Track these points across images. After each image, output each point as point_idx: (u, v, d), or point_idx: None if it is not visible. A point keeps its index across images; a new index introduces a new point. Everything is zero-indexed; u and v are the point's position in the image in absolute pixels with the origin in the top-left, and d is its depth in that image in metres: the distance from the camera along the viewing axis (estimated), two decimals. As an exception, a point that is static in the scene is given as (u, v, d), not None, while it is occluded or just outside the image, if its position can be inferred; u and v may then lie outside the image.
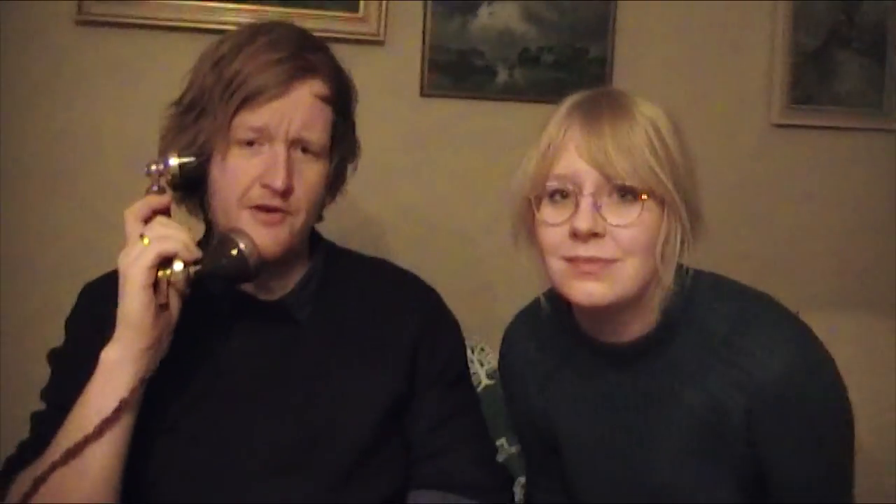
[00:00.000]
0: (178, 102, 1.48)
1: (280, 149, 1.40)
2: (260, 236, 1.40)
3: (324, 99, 1.46)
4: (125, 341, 1.31)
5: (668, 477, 1.43)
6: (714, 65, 2.72)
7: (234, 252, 1.38)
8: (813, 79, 2.79)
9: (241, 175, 1.41)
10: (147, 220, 1.35)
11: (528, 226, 1.45)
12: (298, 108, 1.41)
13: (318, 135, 1.44)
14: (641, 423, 1.45)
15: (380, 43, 2.44)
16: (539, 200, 1.40)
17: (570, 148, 1.36)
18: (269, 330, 1.49)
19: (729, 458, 1.39)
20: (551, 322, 1.57)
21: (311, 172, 1.46)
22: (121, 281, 1.30)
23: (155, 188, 1.39)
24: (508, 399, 1.72)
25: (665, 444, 1.43)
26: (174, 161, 1.41)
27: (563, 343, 1.55)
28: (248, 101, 1.39)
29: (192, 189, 1.47)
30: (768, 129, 2.79)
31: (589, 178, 1.34)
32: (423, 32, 2.49)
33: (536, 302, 1.62)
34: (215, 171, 1.42)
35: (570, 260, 1.36)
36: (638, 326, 1.44)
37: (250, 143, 1.40)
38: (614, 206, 1.35)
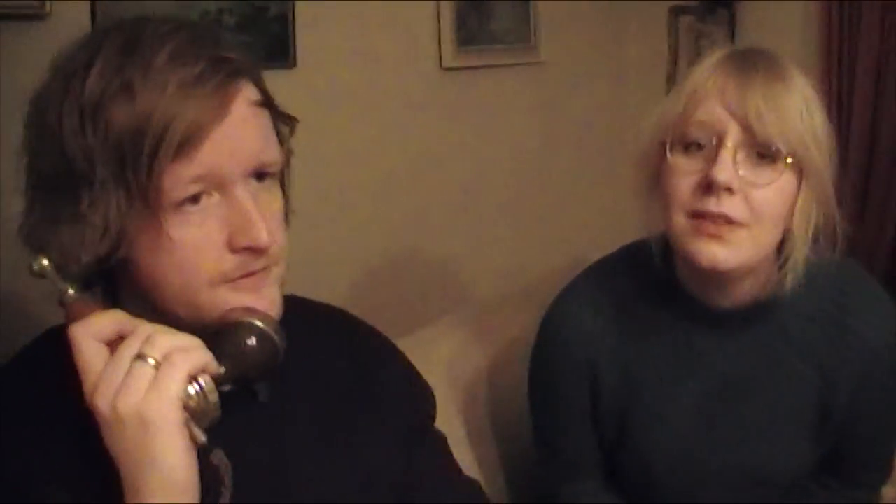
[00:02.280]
0: (33, 180, 0.99)
1: (240, 191, 0.98)
2: (265, 299, 1.05)
3: (260, 103, 1.03)
4: None
5: (767, 453, 1.45)
6: (388, 15, 2.72)
7: (253, 340, 1.00)
8: (475, 21, 2.89)
9: (200, 247, 0.97)
10: (111, 343, 0.95)
11: (653, 172, 1.38)
12: (244, 128, 0.98)
13: (274, 151, 1.04)
14: (743, 394, 1.44)
15: (42, 17, 2.06)
16: (673, 146, 1.33)
17: (718, 96, 1.29)
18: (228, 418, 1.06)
19: (825, 433, 1.46)
20: (631, 285, 1.50)
21: (276, 201, 1.06)
22: (131, 430, 0.90)
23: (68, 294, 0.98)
24: (552, 395, 1.56)
25: (768, 418, 1.45)
26: (84, 257, 0.98)
27: (648, 305, 1.48)
28: (180, 149, 0.93)
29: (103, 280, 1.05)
30: (440, 73, 2.85)
31: (733, 130, 1.28)
32: (92, 3, 2.16)
33: (589, 273, 1.57)
34: (146, 255, 0.98)
35: (696, 215, 1.30)
36: (751, 291, 1.41)
37: (195, 200, 0.96)
38: (753, 165, 1.29)
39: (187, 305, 0.99)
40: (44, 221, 0.97)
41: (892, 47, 2.92)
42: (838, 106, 3.01)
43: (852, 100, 3.00)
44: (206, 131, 0.93)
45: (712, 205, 1.27)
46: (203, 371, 0.94)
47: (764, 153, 1.29)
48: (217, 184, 0.96)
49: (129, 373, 0.90)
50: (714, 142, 1.29)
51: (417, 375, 1.36)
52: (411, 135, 2.79)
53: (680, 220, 1.32)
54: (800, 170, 1.30)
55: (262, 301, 1.01)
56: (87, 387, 0.92)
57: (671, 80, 3.35)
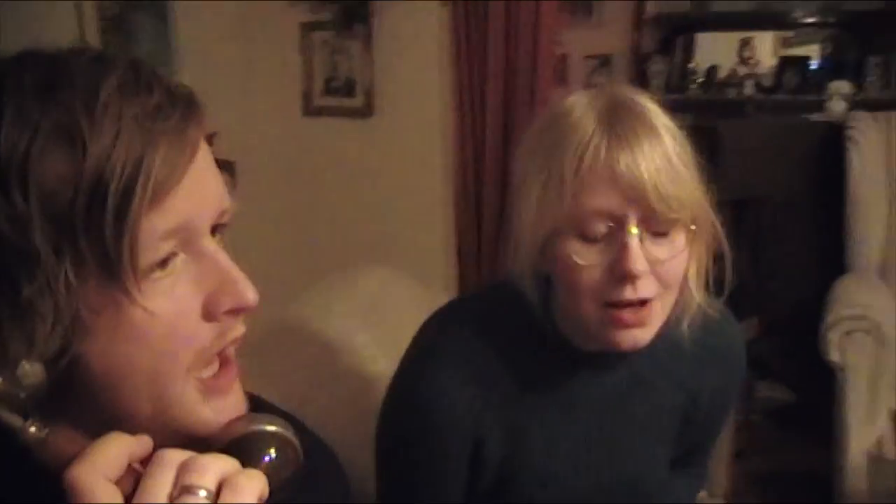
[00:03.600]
0: None
1: (209, 246, 0.80)
2: (238, 398, 0.86)
3: (208, 139, 0.83)
4: None
5: (643, 467, 1.48)
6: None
7: (275, 449, 0.82)
8: (118, 41, 2.73)
9: (175, 322, 0.77)
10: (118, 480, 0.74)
11: (537, 257, 1.26)
12: (207, 169, 0.80)
13: (227, 197, 0.86)
14: (620, 423, 1.43)
15: None
16: (566, 237, 1.22)
17: (609, 181, 1.17)
18: None
19: (684, 439, 1.51)
20: (499, 336, 1.38)
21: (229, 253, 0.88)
22: None
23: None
24: (422, 474, 1.41)
25: (641, 441, 1.46)
26: (29, 367, 0.73)
27: (522, 355, 1.38)
28: (154, 197, 0.73)
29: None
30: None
31: (633, 215, 1.17)
32: None
33: (449, 330, 1.41)
34: (106, 344, 0.75)
35: (613, 305, 1.21)
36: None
37: (163, 264, 0.76)
38: (653, 242, 1.20)
39: (157, 400, 0.78)
40: None
41: (516, 49, 3.15)
42: (471, 107, 3.19)
43: (485, 100, 3.19)
44: (180, 174, 0.74)
45: (629, 293, 1.19)
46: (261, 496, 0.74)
47: (665, 225, 1.20)
48: (186, 240, 0.77)
49: None
50: (616, 228, 1.19)
51: None
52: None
53: (594, 311, 1.23)
54: (697, 229, 1.24)
55: (231, 410, 0.82)
56: None
57: (307, 97, 3.36)
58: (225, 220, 0.81)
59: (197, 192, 0.76)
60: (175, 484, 0.69)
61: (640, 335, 1.23)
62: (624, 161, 1.16)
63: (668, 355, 1.39)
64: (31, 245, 0.69)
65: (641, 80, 6.88)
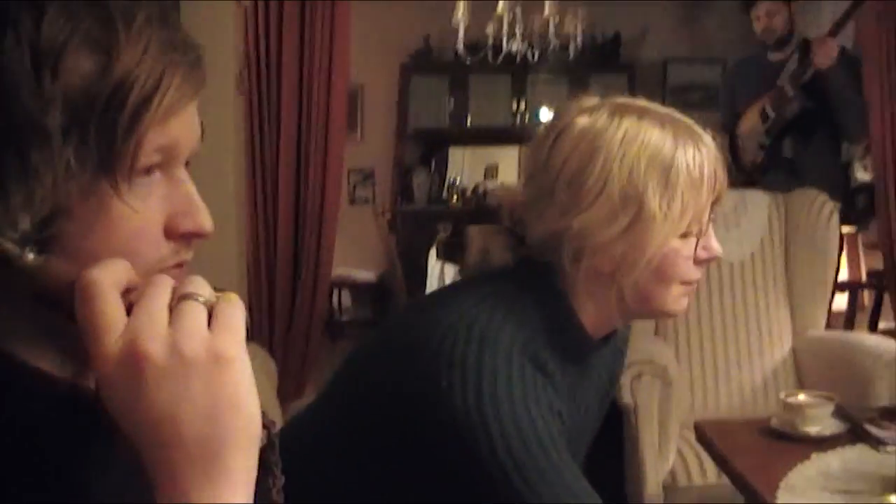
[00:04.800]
0: None
1: (182, 173, 0.89)
2: None
3: None
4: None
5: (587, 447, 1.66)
6: None
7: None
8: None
9: (142, 227, 0.85)
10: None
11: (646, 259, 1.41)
12: (196, 113, 0.91)
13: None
14: (590, 404, 1.59)
15: None
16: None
17: (700, 186, 1.38)
18: None
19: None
20: (546, 329, 1.45)
21: None
22: (203, 373, 0.76)
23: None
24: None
25: (594, 417, 1.64)
26: (25, 220, 0.81)
27: (559, 345, 1.47)
28: (164, 115, 0.83)
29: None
30: None
31: (713, 206, 1.43)
32: None
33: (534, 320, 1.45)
34: (81, 228, 0.82)
35: (690, 283, 1.44)
36: None
37: (148, 171, 0.85)
38: None
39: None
40: None
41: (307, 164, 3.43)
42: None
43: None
44: (185, 102, 0.84)
45: (701, 272, 1.45)
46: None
47: None
48: (168, 159, 0.86)
49: (179, 313, 0.76)
50: (703, 222, 1.41)
51: None
52: None
53: (676, 289, 1.44)
54: None
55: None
56: (109, 339, 0.75)
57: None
58: (190, 159, 0.90)
59: (190, 125, 0.85)
60: (173, 296, 0.76)
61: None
62: (707, 167, 1.37)
63: (612, 345, 1.58)
64: (46, 122, 0.76)
65: (406, 190, 7.25)
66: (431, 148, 7.50)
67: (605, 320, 1.48)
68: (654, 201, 1.35)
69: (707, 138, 1.40)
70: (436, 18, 6.34)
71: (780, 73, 4.22)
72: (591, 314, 1.47)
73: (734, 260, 3.39)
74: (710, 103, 5.75)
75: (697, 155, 1.36)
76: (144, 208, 0.83)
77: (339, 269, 5.48)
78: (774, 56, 4.32)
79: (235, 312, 0.78)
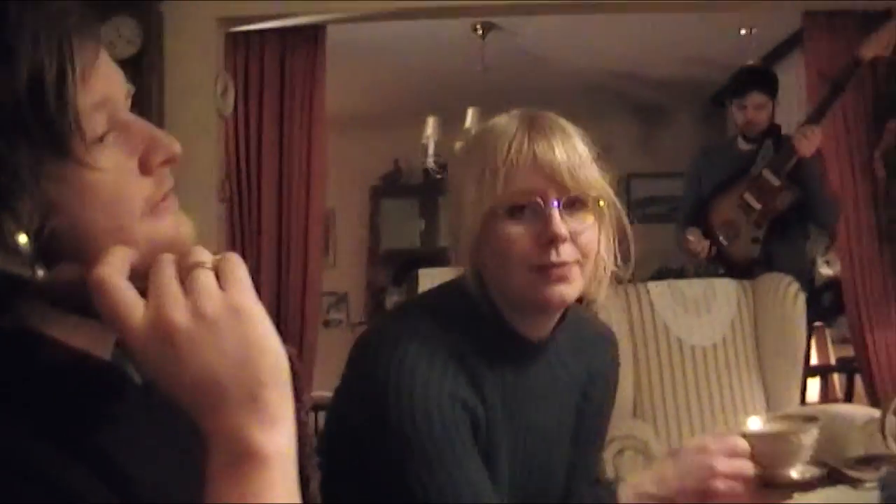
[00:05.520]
0: None
1: (129, 116, 0.95)
2: (180, 219, 1.00)
3: None
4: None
5: (559, 457, 1.63)
6: None
7: None
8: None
9: (120, 180, 0.91)
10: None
11: (475, 240, 1.50)
12: (110, 61, 0.95)
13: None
14: (543, 411, 1.59)
15: None
16: (502, 216, 1.47)
17: (531, 165, 1.45)
18: None
19: (580, 436, 1.66)
20: (469, 327, 1.53)
21: None
22: (228, 328, 0.83)
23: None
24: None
25: (559, 429, 1.62)
26: (23, 239, 0.86)
27: (486, 344, 1.54)
28: (82, 77, 0.89)
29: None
30: None
31: (552, 191, 1.44)
32: None
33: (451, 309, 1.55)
34: (73, 208, 0.90)
35: (540, 268, 1.45)
36: (552, 322, 1.60)
37: (101, 139, 0.91)
38: (571, 215, 1.46)
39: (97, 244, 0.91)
40: None
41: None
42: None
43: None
44: (94, 57, 0.91)
45: (554, 256, 1.44)
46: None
47: (577, 203, 1.46)
48: (111, 114, 0.92)
49: (192, 280, 0.83)
50: (540, 204, 1.45)
51: None
52: None
53: (524, 275, 1.46)
54: (604, 208, 1.49)
55: (184, 227, 0.97)
56: (134, 321, 0.81)
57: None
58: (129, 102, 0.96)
59: (110, 74, 0.92)
60: (178, 269, 0.83)
61: (566, 290, 1.46)
62: (542, 149, 1.45)
63: (576, 339, 1.62)
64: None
65: (380, 311, 7.31)
66: (404, 268, 7.61)
67: (518, 317, 1.54)
68: (460, 181, 1.51)
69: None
70: (405, 141, 6.50)
71: (749, 161, 4.13)
72: (508, 312, 1.54)
73: (706, 343, 3.50)
74: (673, 216, 5.86)
75: (501, 138, 1.47)
76: (113, 165, 0.89)
77: (316, 392, 5.49)
78: (745, 145, 4.24)
79: (239, 269, 0.85)
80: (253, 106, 3.94)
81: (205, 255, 0.85)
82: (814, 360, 4.11)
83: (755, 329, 3.55)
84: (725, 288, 3.63)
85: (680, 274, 4.16)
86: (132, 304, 0.81)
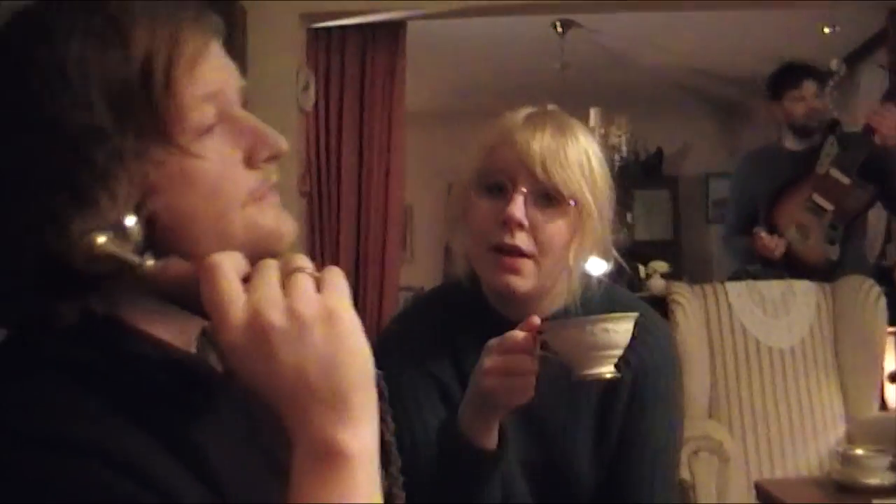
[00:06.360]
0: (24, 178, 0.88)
1: (241, 112, 0.98)
2: (281, 211, 1.05)
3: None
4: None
5: (573, 456, 1.61)
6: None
7: None
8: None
9: (225, 171, 0.94)
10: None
11: (459, 212, 1.59)
12: (225, 56, 1.01)
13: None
14: (547, 402, 1.56)
15: None
16: (476, 189, 1.54)
17: (511, 147, 1.51)
18: None
19: (606, 430, 1.63)
20: (447, 314, 1.65)
21: None
22: (321, 331, 0.84)
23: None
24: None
25: (571, 424, 1.61)
26: (131, 221, 0.89)
27: (464, 330, 1.62)
28: (190, 67, 0.93)
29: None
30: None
31: (523, 176, 1.50)
32: None
33: (441, 286, 1.72)
34: (174, 194, 0.92)
35: (496, 249, 1.50)
36: (549, 306, 1.61)
37: (210, 131, 0.94)
38: (541, 206, 1.50)
39: (222, 234, 0.94)
40: (65, 204, 0.87)
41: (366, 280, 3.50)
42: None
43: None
44: (204, 49, 0.95)
45: (507, 238, 1.49)
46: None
47: (550, 196, 1.51)
48: (221, 109, 0.95)
49: (292, 283, 0.85)
50: (509, 185, 1.51)
51: None
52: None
53: (483, 254, 1.52)
54: (580, 212, 1.52)
55: (286, 222, 1.00)
56: (234, 313, 0.83)
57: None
58: (244, 99, 1.00)
59: (221, 68, 0.96)
60: (281, 273, 0.85)
61: (517, 281, 1.51)
62: (524, 137, 1.51)
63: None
64: (95, 122, 0.87)
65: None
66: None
67: (496, 299, 1.60)
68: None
69: None
70: (482, 138, 6.48)
71: (805, 161, 3.96)
72: (491, 294, 1.62)
73: (784, 346, 3.45)
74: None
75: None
76: (218, 156, 0.92)
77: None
78: (798, 144, 4.08)
79: (338, 277, 0.87)
80: (333, 101, 3.99)
81: (307, 263, 0.87)
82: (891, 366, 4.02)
83: (834, 332, 3.49)
84: (804, 290, 3.58)
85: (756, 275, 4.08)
86: (236, 296, 0.82)
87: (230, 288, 0.83)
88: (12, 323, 0.92)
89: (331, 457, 0.81)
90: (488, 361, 1.39)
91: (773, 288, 3.60)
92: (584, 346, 1.34)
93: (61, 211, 0.85)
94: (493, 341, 1.40)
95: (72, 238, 0.85)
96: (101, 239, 0.85)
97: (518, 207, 1.48)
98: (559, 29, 5.33)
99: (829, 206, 3.86)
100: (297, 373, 0.82)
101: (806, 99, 4.03)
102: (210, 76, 0.93)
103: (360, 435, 0.83)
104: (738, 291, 3.57)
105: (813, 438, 3.32)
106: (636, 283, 4.81)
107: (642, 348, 1.58)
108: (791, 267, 3.87)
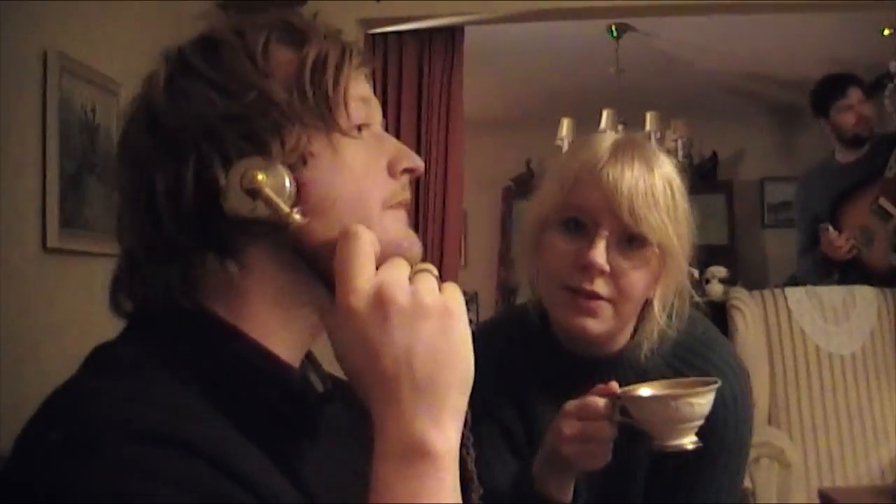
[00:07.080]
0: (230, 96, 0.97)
1: (382, 130, 1.08)
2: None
3: None
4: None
5: (630, 489, 1.54)
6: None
7: None
8: (73, 203, 2.86)
9: (370, 170, 1.02)
10: None
11: (532, 244, 1.52)
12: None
13: None
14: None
15: None
16: (551, 225, 1.47)
17: (596, 186, 1.42)
18: None
19: (663, 473, 1.54)
20: (511, 342, 1.60)
21: None
22: (435, 321, 0.87)
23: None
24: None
25: (630, 457, 1.50)
26: (287, 177, 0.96)
27: (527, 360, 1.58)
28: (357, 69, 1.04)
29: None
30: (41, 255, 2.76)
31: (607, 219, 1.41)
32: None
33: (503, 318, 1.63)
34: (325, 175, 0.99)
35: (573, 291, 1.43)
36: (617, 343, 1.53)
37: (362, 129, 1.03)
38: (623, 250, 1.43)
39: (360, 223, 1.00)
40: (236, 142, 0.96)
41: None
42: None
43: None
44: (360, 69, 1.05)
45: (586, 284, 1.41)
46: None
47: (633, 240, 1.42)
48: (369, 117, 1.05)
49: (419, 277, 0.89)
50: (591, 226, 1.42)
51: None
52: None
53: (559, 294, 1.45)
54: (664, 253, 1.44)
55: (411, 239, 1.06)
56: (363, 279, 0.87)
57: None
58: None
59: (368, 87, 1.06)
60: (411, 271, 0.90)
61: (592, 324, 1.44)
62: (612, 174, 1.42)
63: (657, 369, 1.51)
64: (273, 91, 0.97)
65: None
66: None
67: (563, 333, 1.52)
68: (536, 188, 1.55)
69: None
70: (537, 143, 6.51)
71: (855, 173, 3.93)
72: (557, 328, 1.54)
73: (844, 352, 3.43)
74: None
75: None
76: (365, 154, 1.01)
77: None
78: (848, 156, 4.05)
79: (458, 290, 0.90)
80: (391, 106, 4.01)
81: (433, 268, 0.92)
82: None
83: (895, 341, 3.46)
84: (865, 295, 3.55)
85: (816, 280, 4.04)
86: (369, 261, 0.88)
87: (366, 253, 0.89)
88: (148, 291, 0.97)
89: (420, 454, 0.83)
90: (567, 428, 1.34)
91: (833, 294, 3.58)
92: (667, 419, 1.32)
93: (232, 145, 0.93)
94: (570, 405, 1.35)
95: (236, 171, 0.93)
96: (261, 176, 0.93)
97: (600, 253, 1.41)
98: (614, 33, 5.32)
99: (894, 211, 3.81)
100: (404, 354, 0.85)
101: (854, 106, 3.99)
102: (364, 86, 1.04)
103: (448, 437, 0.85)
104: (797, 297, 3.55)
105: (874, 445, 3.30)
106: (694, 288, 4.75)
107: (717, 402, 1.50)
108: (853, 272, 3.84)
